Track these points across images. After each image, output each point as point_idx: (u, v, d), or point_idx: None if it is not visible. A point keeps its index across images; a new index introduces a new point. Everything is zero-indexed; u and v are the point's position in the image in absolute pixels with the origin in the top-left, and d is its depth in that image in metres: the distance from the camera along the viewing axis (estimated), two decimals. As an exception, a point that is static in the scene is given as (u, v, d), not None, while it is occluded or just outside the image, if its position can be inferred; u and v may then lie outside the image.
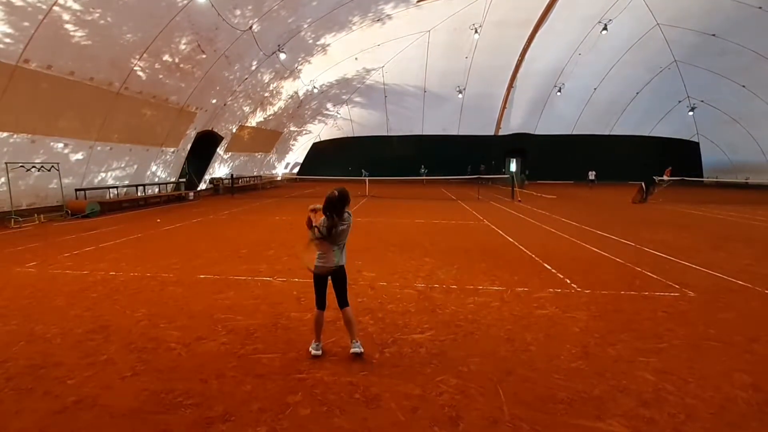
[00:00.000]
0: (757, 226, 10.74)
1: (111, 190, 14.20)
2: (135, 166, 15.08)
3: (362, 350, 3.39)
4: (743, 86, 22.69)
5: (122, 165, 14.48)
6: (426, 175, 28.94)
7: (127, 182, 15.01)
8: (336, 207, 3.24)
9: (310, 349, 3.48)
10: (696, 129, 29.14)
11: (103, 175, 13.84)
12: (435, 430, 2.50)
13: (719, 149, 28.50)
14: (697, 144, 29.93)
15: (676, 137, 30.05)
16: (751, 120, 24.43)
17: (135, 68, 12.32)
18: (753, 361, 3.39)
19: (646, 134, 30.47)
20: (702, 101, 26.16)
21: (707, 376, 3.14)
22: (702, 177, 27.85)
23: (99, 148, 12.96)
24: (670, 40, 22.24)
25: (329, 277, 3.44)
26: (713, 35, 20.46)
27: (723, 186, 26.15)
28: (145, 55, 12.19)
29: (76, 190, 12.73)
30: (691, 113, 27.38)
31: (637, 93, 27.28)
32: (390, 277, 5.80)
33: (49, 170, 11.41)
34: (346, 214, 3.32)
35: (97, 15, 10.11)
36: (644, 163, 21.21)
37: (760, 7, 17.34)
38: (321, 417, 2.62)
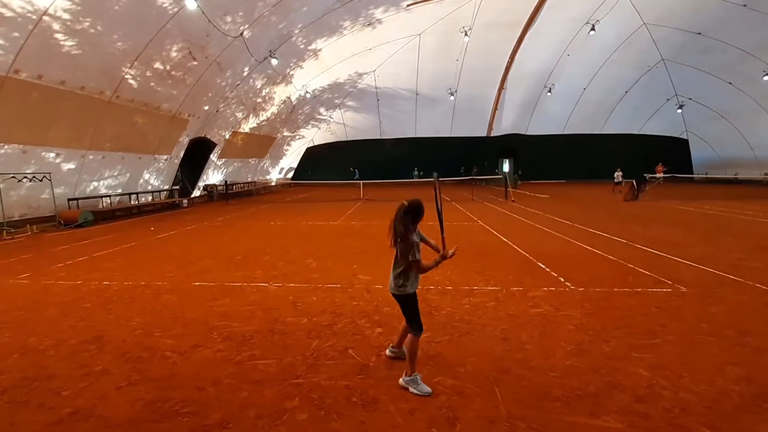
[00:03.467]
0: (746, 220, 10.89)
1: (104, 199, 14.10)
2: (128, 175, 14.98)
3: (406, 386, 2.99)
4: (729, 83, 23.06)
5: (115, 173, 14.38)
6: (420, 178, 29.05)
7: (119, 191, 14.91)
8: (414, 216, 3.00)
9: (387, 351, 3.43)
10: (685, 126, 29.54)
11: (95, 184, 13.74)
12: (433, 431, 2.51)
13: (708, 145, 28.91)
14: (687, 141, 30.32)
15: (665, 135, 30.43)
16: (738, 116, 24.82)
17: (126, 76, 12.27)
18: (745, 354, 3.44)
19: (636, 132, 30.83)
20: (690, 99, 26.54)
21: (700, 370, 3.18)
22: (692, 173, 28.20)
23: (91, 157, 12.88)
24: (656, 39, 22.56)
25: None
26: (699, 33, 20.79)
27: (713, 182, 26.50)
28: (136, 63, 12.15)
29: (69, 199, 12.63)
30: (679, 111, 27.77)
31: (626, 92, 27.61)
32: (385, 280, 5.75)
33: (41, 180, 11.31)
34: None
35: (87, 24, 10.08)
36: (622, 167, 21.23)
37: (745, 5, 17.66)
38: (319, 421, 2.62)
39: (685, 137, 30.27)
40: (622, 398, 2.82)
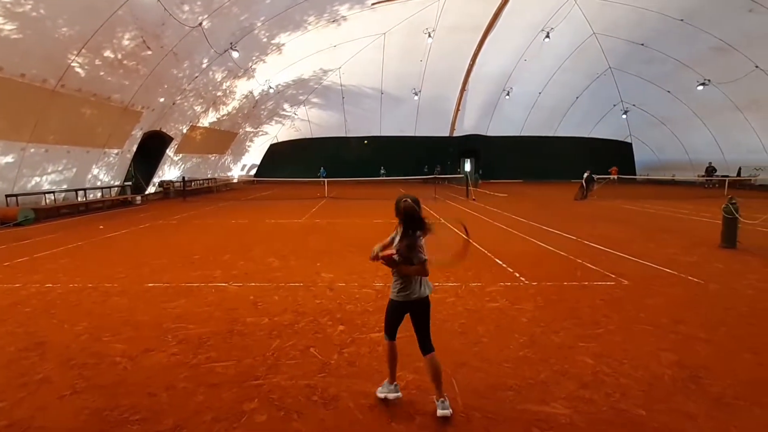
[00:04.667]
0: (681, 218, 11.87)
1: (47, 195, 13.07)
2: (74, 170, 13.97)
3: (450, 411, 2.62)
4: (668, 91, 24.96)
5: (59, 168, 13.36)
6: (385, 176, 29.23)
7: (65, 187, 13.87)
8: (415, 217, 2.62)
9: (379, 392, 2.85)
10: (629, 130, 31.69)
11: (37, 179, 12.71)
12: (392, 426, 2.56)
13: (649, 149, 31.22)
14: (630, 144, 32.55)
15: (612, 138, 32.50)
16: (675, 122, 26.95)
17: (73, 64, 11.42)
18: (677, 341, 3.76)
19: (586, 135, 32.70)
20: (633, 105, 28.48)
21: (638, 356, 3.45)
22: (635, 175, 30.31)
23: (32, 150, 11.89)
24: (605, 49, 23.99)
25: (407, 312, 2.78)
26: (642, 44, 22.34)
27: (653, 183, 28.63)
28: (83, 50, 11.34)
29: (7, 196, 11.61)
30: (624, 116, 29.76)
31: (577, 97, 29.19)
32: (348, 277, 5.83)
33: (-31, 175, 10.32)
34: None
35: (29, 7, 9.29)
36: (573, 168, 22.56)
37: (682, 20, 19.16)
38: (278, 422, 2.61)
39: (629, 141, 32.49)
40: (569, 385, 3.01)
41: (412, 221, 2.64)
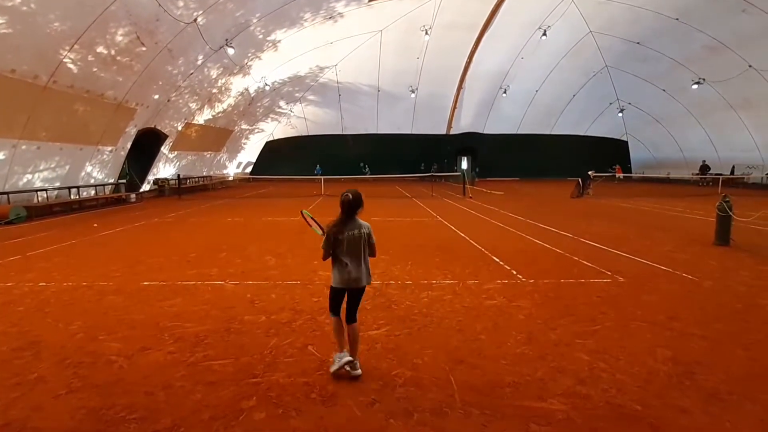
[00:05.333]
0: (676, 216, 11.97)
1: (39, 193, 12.92)
2: (67, 167, 13.81)
3: (359, 372, 3.08)
4: (663, 90, 25.11)
5: (52, 165, 13.20)
6: (369, 173, 29.16)
7: (58, 184, 13.72)
8: (344, 208, 3.12)
9: (332, 367, 3.12)
10: (625, 129, 31.87)
11: (29, 176, 12.55)
12: (391, 423, 2.56)
13: (645, 147, 31.41)
14: (626, 142, 32.75)
15: (608, 136, 32.67)
16: (670, 121, 27.14)
17: (65, 60, 11.27)
18: (672, 337, 3.80)
19: (582, 134, 32.83)
20: (629, 103, 28.64)
21: (635, 353, 3.48)
22: (631, 173, 30.50)
23: (24, 147, 11.73)
24: (601, 47, 24.08)
25: (346, 293, 3.19)
26: (638, 43, 22.44)
27: (648, 180, 28.84)
28: (76, 46, 11.19)
29: (-3, 193, 11.48)
30: (620, 114, 29.92)
31: (574, 95, 29.29)
32: (346, 275, 5.81)
33: (-40, 172, 10.18)
34: (362, 225, 3.13)
35: (19, 1, 9.14)
36: (569, 166, 22.62)
37: (677, 18, 19.26)
38: (276, 420, 2.60)
39: (625, 139, 32.68)
40: (566, 381, 3.02)
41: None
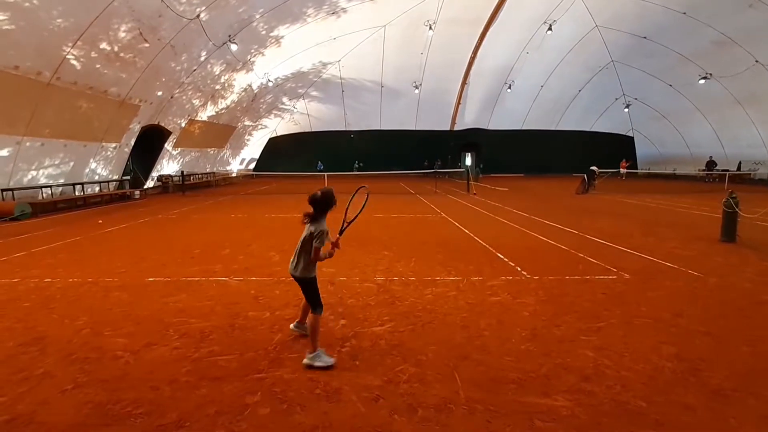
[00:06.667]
0: (681, 212, 11.88)
1: (44, 189, 13.00)
2: (71, 164, 13.89)
3: (311, 363, 3.17)
4: (670, 85, 24.85)
5: (56, 162, 13.27)
6: (362, 170, 29.14)
7: (62, 181, 13.80)
8: (313, 206, 3.24)
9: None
10: (631, 124, 31.59)
11: (33, 173, 12.62)
12: (395, 418, 2.57)
13: (651, 143, 31.13)
14: (632, 138, 32.45)
15: (614, 132, 32.39)
16: (676, 116, 26.87)
17: (68, 57, 11.29)
18: (677, 334, 3.78)
19: (588, 129, 32.58)
20: (635, 99, 28.36)
21: (639, 349, 3.46)
22: (637, 169, 30.27)
23: (28, 144, 11.79)
24: (607, 42, 23.83)
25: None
26: (644, 38, 22.19)
27: (654, 177, 28.60)
28: (79, 42, 11.20)
29: (3, 190, 11.53)
30: (626, 110, 29.64)
31: (579, 91, 29.04)
32: (350, 271, 5.83)
33: (-34, 169, 10.25)
34: (319, 225, 3.19)
35: (21, -3, 9.17)
36: (574, 162, 22.55)
37: (684, 13, 19.03)
38: (281, 415, 2.61)
39: (631, 135, 32.39)
40: (571, 378, 3.01)
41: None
